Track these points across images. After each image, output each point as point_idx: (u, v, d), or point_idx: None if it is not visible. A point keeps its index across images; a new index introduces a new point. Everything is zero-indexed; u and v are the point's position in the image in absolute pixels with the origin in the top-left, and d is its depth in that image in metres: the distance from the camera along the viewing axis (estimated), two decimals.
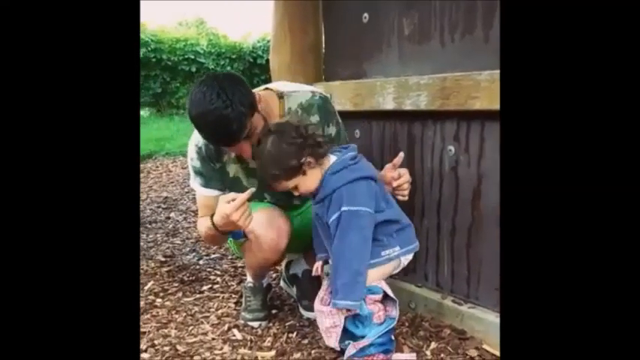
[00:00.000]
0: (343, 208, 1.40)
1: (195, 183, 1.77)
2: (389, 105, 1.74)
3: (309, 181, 1.46)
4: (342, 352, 1.55)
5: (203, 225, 1.71)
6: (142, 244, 2.92)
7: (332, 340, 1.51)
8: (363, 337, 1.48)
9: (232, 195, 1.52)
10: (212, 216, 1.60)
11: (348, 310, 1.45)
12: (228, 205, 1.48)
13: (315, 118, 1.69)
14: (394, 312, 1.53)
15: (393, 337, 1.56)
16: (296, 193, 1.50)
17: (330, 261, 1.56)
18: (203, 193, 1.77)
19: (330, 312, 1.49)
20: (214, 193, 1.75)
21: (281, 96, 1.66)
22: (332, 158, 1.48)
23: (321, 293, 1.58)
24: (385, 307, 1.53)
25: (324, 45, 2.19)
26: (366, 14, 1.88)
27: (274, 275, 2.33)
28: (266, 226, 1.65)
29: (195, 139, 1.71)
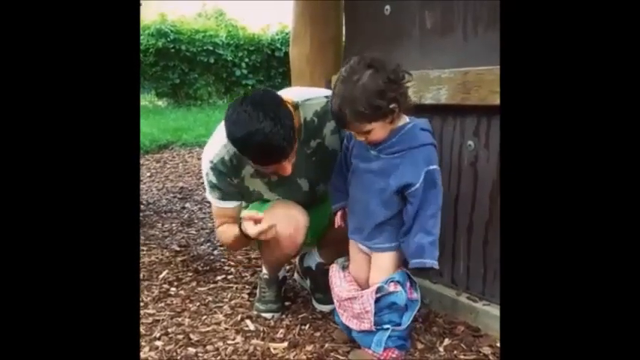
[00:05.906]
0: (431, 167, 1.36)
1: (211, 196, 1.74)
2: None
3: (383, 129, 1.36)
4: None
5: (227, 233, 1.73)
6: (157, 233, 2.94)
7: (366, 324, 1.47)
8: (399, 324, 1.46)
9: (254, 214, 1.56)
10: (240, 225, 1.62)
11: (377, 292, 1.43)
12: (255, 229, 1.54)
13: (330, 125, 1.67)
14: (415, 294, 1.50)
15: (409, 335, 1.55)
16: (361, 138, 1.38)
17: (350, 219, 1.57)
18: (220, 206, 1.75)
19: (361, 296, 1.46)
20: (232, 204, 1.75)
21: (296, 106, 1.59)
22: (404, 116, 1.42)
23: (340, 282, 1.57)
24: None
25: (344, 37, 2.17)
26: (387, 6, 1.86)
27: (287, 267, 2.33)
28: (283, 221, 1.64)
29: (210, 156, 1.65)
